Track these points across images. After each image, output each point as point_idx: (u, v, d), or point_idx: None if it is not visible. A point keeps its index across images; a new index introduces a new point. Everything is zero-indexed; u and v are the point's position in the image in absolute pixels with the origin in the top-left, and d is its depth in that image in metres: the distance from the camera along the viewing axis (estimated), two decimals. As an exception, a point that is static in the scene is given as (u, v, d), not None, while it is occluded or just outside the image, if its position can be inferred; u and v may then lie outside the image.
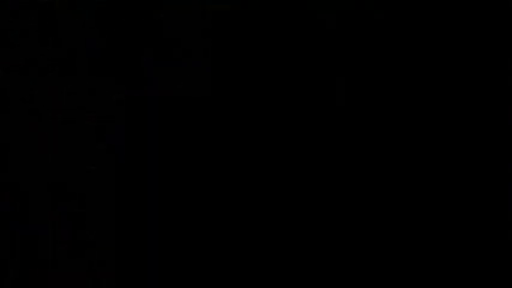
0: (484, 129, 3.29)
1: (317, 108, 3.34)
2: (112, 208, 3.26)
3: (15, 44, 3.34)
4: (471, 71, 3.31)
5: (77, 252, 3.28)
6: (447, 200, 3.27)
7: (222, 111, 3.35)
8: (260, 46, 3.37)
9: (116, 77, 3.34)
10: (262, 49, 3.37)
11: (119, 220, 3.27)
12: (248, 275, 3.30)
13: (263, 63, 3.36)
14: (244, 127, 3.35)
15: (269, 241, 3.30)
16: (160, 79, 3.34)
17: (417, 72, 3.33)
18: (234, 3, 3.37)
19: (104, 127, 3.32)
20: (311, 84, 3.35)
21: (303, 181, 3.32)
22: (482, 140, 3.28)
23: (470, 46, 3.32)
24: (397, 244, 3.27)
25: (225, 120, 3.36)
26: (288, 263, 3.29)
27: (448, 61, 3.32)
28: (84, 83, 3.32)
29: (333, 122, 3.33)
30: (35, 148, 3.32)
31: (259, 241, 3.30)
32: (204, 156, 3.34)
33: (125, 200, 3.29)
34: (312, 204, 3.31)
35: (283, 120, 3.34)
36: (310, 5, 3.35)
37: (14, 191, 3.29)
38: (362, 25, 3.35)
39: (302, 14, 3.36)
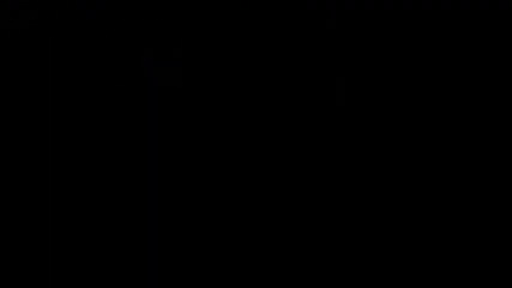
0: (481, 129, 3.29)
1: (317, 108, 3.34)
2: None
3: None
4: (471, 72, 3.31)
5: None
6: (446, 200, 3.27)
7: (228, 107, 3.36)
8: (260, 46, 3.37)
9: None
10: (264, 49, 3.37)
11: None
12: (248, 274, 3.30)
13: (266, 64, 3.36)
14: (246, 127, 3.35)
15: (267, 238, 3.31)
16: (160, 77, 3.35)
17: (417, 72, 3.33)
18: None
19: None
20: (311, 84, 3.35)
21: (302, 180, 3.32)
22: (481, 140, 3.28)
23: (470, 47, 3.32)
24: (397, 244, 3.27)
25: (229, 116, 3.37)
26: (288, 263, 3.29)
27: (447, 61, 3.32)
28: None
29: (333, 122, 3.33)
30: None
31: (258, 239, 3.31)
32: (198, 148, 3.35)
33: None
34: (311, 203, 3.31)
35: (283, 119, 3.34)
36: (310, 5, 3.35)
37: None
38: (362, 25, 3.35)
39: (302, 14, 3.36)
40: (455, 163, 3.28)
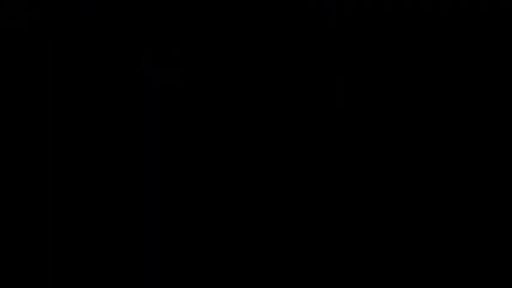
0: (481, 129, 3.29)
1: (317, 108, 3.34)
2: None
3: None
4: (471, 71, 3.31)
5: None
6: (445, 199, 3.27)
7: (230, 107, 3.37)
8: (261, 46, 3.37)
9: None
10: (264, 49, 3.37)
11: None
12: (247, 275, 3.30)
13: (266, 64, 3.36)
14: (246, 127, 3.35)
15: (268, 239, 3.31)
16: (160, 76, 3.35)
17: (417, 72, 3.33)
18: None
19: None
20: (311, 84, 3.35)
21: (302, 180, 3.32)
22: (481, 140, 3.28)
23: (470, 47, 3.32)
24: (397, 244, 3.27)
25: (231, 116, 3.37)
26: (288, 263, 3.29)
27: (447, 61, 3.33)
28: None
29: (333, 122, 3.34)
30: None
31: (258, 239, 3.31)
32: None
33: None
34: (311, 203, 3.31)
35: (283, 119, 3.34)
36: (310, 5, 3.35)
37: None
38: (362, 25, 3.35)
39: (302, 14, 3.37)
40: (455, 163, 3.28)
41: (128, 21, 3.38)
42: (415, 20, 3.32)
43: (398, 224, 3.28)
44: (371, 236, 3.28)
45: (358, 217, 3.29)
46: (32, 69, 3.37)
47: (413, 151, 3.30)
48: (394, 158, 3.30)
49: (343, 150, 3.33)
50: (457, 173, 3.27)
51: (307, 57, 3.35)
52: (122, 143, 3.35)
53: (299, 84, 3.35)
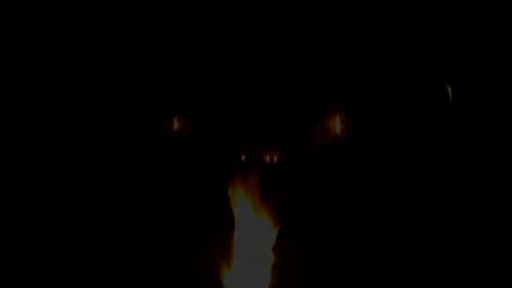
0: (480, 129, 3.29)
1: (317, 108, 3.35)
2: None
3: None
4: (470, 71, 3.31)
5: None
6: (449, 201, 3.27)
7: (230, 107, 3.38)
8: (261, 46, 3.37)
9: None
10: (264, 49, 3.38)
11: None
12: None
13: (266, 63, 3.37)
14: (245, 126, 3.36)
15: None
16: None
17: (417, 72, 3.34)
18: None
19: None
20: (311, 84, 3.36)
21: (301, 180, 3.33)
22: (480, 139, 3.29)
23: (470, 47, 3.32)
24: (396, 244, 3.27)
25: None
26: (286, 262, 3.29)
27: (447, 61, 3.33)
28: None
29: (333, 122, 3.34)
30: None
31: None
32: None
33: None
34: (310, 203, 3.31)
35: (283, 118, 3.35)
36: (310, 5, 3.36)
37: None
38: (362, 25, 3.35)
39: (302, 14, 3.37)
40: (455, 162, 3.28)
41: (128, 21, 3.38)
42: (415, 20, 3.32)
43: (398, 224, 3.28)
44: (370, 235, 3.28)
45: (358, 217, 3.29)
46: (32, 69, 3.37)
47: (412, 150, 3.30)
48: (393, 157, 3.31)
49: (342, 150, 3.33)
50: (457, 173, 3.27)
51: (307, 57, 3.35)
52: (122, 142, 3.35)
53: (299, 84, 3.35)
